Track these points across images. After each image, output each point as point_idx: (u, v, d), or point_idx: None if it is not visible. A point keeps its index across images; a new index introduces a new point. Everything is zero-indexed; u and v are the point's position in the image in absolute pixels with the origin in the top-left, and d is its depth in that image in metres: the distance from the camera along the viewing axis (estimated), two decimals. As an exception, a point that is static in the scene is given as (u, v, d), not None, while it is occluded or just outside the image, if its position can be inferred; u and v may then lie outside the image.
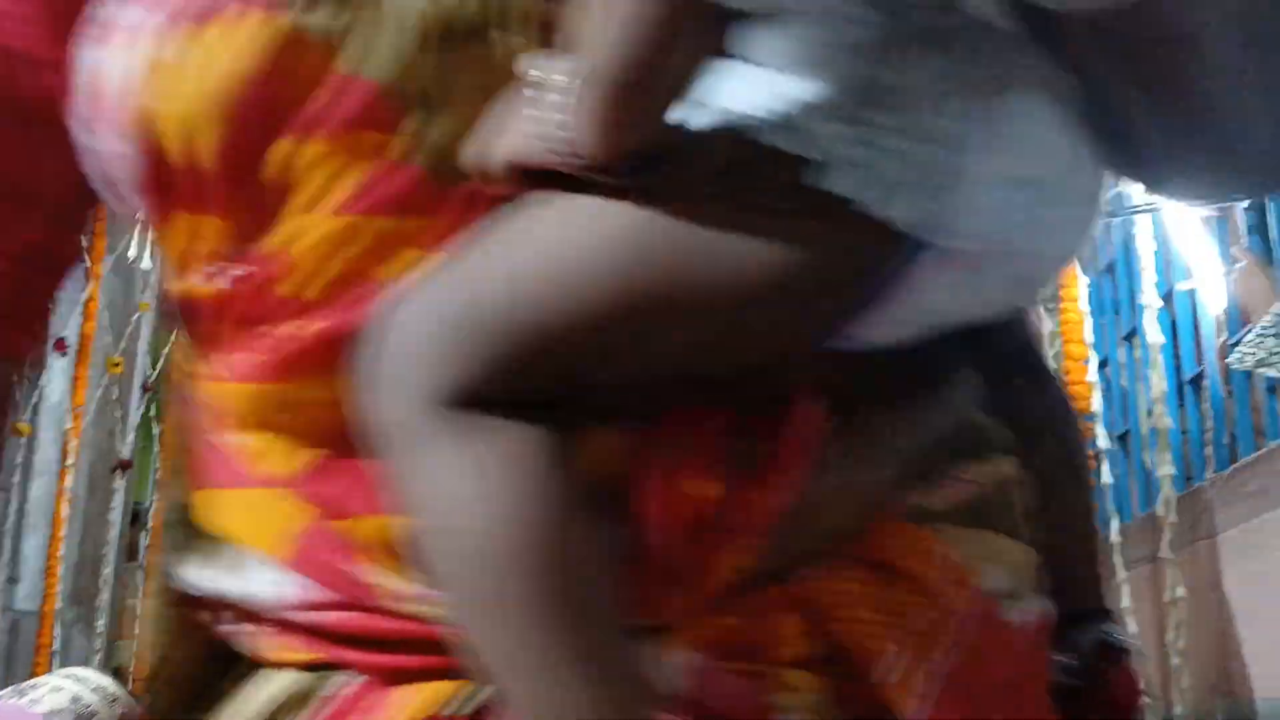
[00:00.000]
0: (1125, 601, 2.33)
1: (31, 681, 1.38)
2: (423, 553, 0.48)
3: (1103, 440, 2.41)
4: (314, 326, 0.51)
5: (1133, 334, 3.25)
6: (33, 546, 4.19)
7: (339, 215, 0.51)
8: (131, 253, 2.55)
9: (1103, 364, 3.48)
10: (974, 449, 0.59)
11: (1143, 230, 2.39)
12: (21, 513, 4.10)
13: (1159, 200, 2.36)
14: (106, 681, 1.40)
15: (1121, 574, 2.34)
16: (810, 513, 0.52)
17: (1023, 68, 0.50)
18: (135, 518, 4.90)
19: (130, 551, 4.80)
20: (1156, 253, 2.43)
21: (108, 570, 4.40)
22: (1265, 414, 2.39)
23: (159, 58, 0.51)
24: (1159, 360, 2.31)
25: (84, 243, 2.72)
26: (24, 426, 3.95)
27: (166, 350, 4.77)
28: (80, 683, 1.37)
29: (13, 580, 4.10)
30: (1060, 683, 0.66)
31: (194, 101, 0.50)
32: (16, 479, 4.09)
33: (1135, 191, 2.41)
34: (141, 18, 0.53)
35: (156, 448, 4.74)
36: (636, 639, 0.48)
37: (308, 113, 0.50)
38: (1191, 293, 2.85)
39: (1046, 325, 2.57)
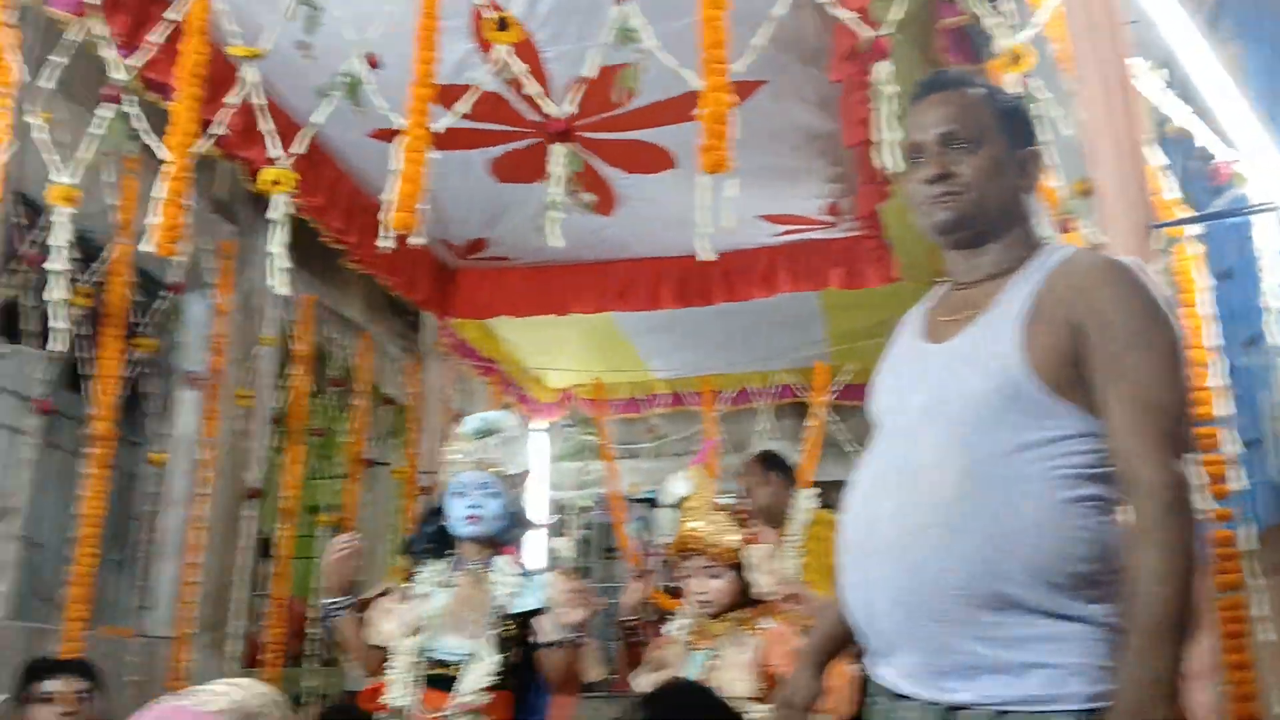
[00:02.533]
0: (1260, 609, 2.28)
1: (196, 687, 1.45)
2: None
3: (1235, 445, 2.37)
4: None
5: (1253, 340, 3.17)
6: (165, 574, 4.36)
7: None
8: (277, 287, 2.68)
9: (1232, 371, 3.38)
10: None
11: (1262, 231, 2.34)
12: (151, 541, 4.27)
13: (1276, 199, 2.32)
14: (265, 688, 1.47)
15: (1257, 581, 2.30)
16: None
17: None
18: (262, 547, 5.07)
19: (254, 582, 4.97)
20: (1280, 253, 2.38)
21: (238, 598, 4.57)
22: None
23: None
24: (1282, 364, 2.26)
25: (212, 279, 2.88)
26: (159, 457, 4.13)
27: (289, 384, 4.95)
28: (243, 689, 1.44)
29: (145, 607, 4.27)
30: None
31: None
32: (147, 509, 4.26)
33: (1253, 192, 2.37)
34: None
35: (281, 478, 4.91)
36: None
37: None
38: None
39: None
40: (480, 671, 2.78)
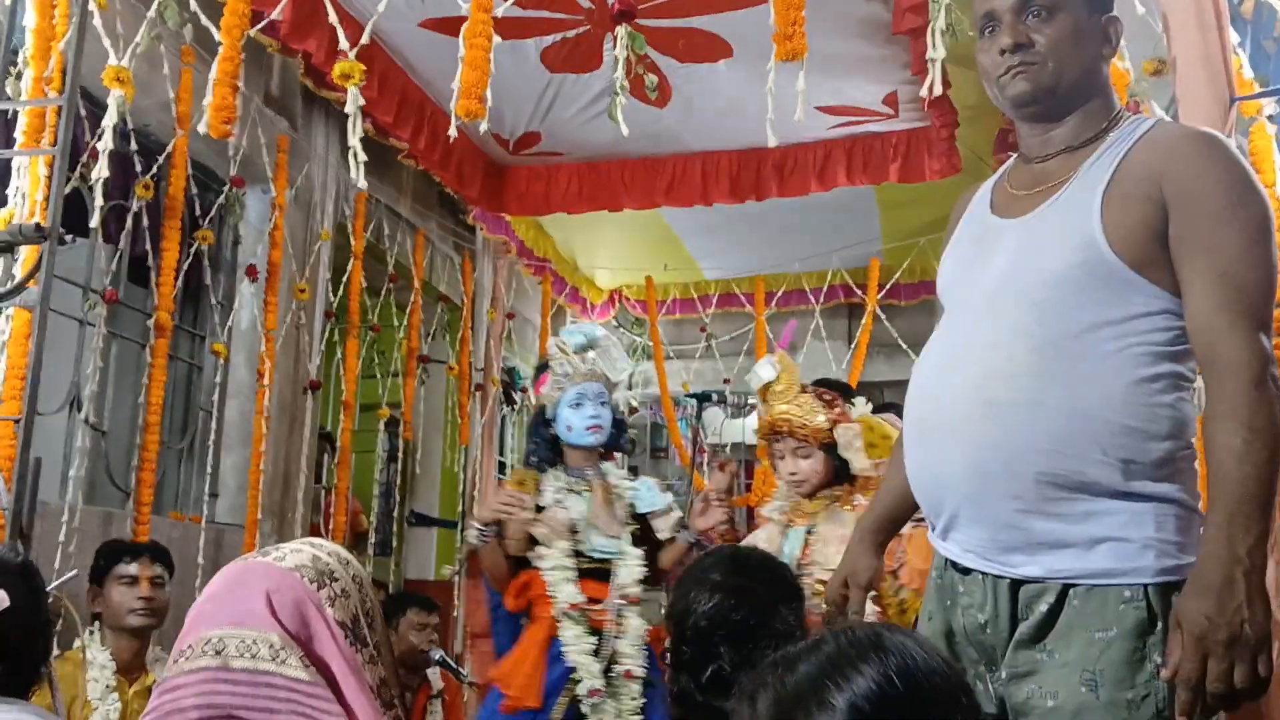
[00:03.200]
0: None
1: (275, 545, 1.49)
2: None
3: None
4: None
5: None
6: (230, 464, 4.47)
7: None
8: (359, 180, 2.69)
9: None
10: None
11: (1348, 107, 2.27)
12: (217, 431, 4.37)
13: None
14: (338, 548, 1.51)
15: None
16: None
17: None
18: (322, 439, 5.18)
19: (316, 472, 5.09)
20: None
21: (300, 487, 4.69)
22: None
23: None
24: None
25: (269, 174, 2.89)
26: (221, 348, 4.20)
27: (345, 278, 5.00)
28: (317, 547, 1.48)
29: (212, 495, 4.39)
30: None
31: None
32: (213, 399, 4.34)
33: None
34: None
35: (339, 371, 4.99)
36: None
37: None
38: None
39: None
40: (634, 566, 3.01)
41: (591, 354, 3.19)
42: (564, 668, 2.93)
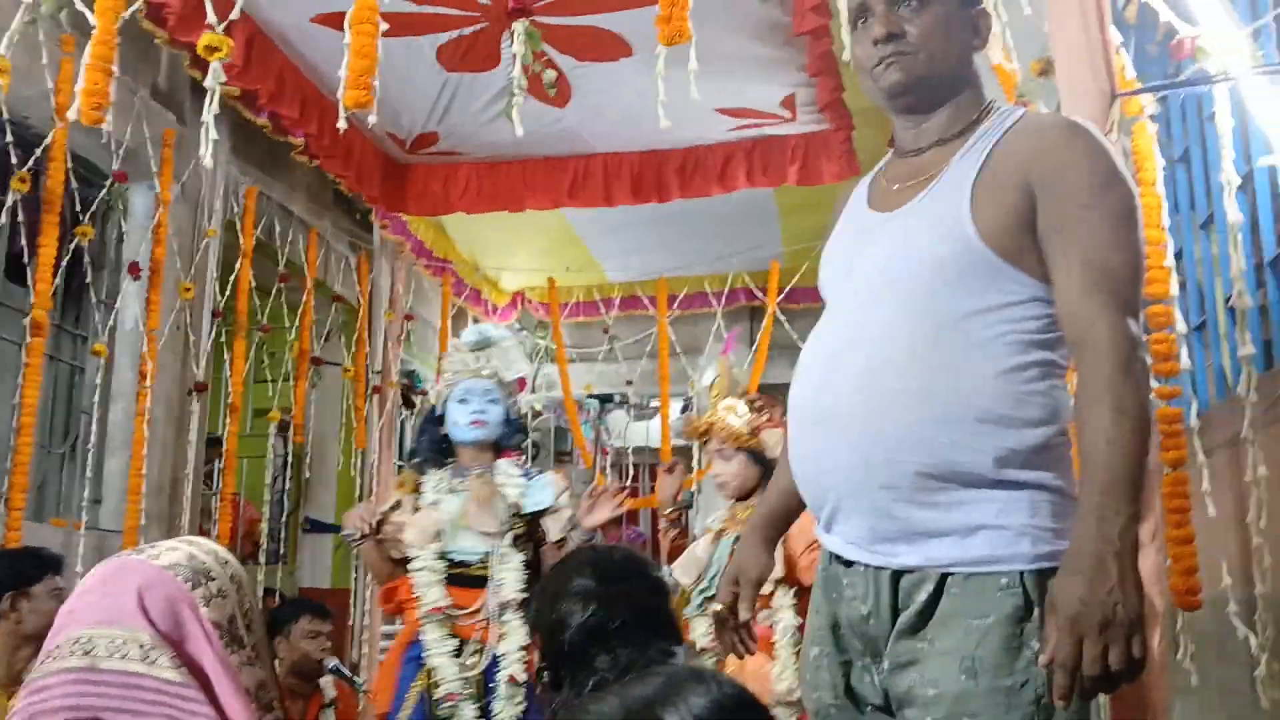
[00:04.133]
0: (1205, 485, 2.33)
1: (151, 543, 1.44)
2: None
3: (1180, 325, 2.39)
4: None
5: (1209, 222, 3.20)
6: (114, 468, 4.31)
7: None
8: (205, 157, 2.56)
9: (1178, 255, 3.42)
10: None
11: (1221, 105, 2.34)
12: (102, 435, 4.21)
13: (1237, 71, 2.31)
14: (217, 547, 1.45)
15: (1200, 458, 2.34)
16: None
17: None
18: (211, 444, 5.02)
19: (207, 479, 4.93)
20: (1235, 129, 2.38)
21: (187, 493, 4.54)
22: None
23: None
24: (1239, 239, 2.28)
25: (153, 169, 2.77)
26: (101, 348, 4.05)
27: (233, 278, 4.86)
28: (195, 545, 1.42)
29: (96, 501, 4.22)
30: None
31: None
32: (94, 402, 4.18)
33: (1212, 64, 2.35)
34: None
35: (227, 373, 4.85)
36: None
37: None
38: (1271, 170, 2.79)
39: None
40: (515, 570, 2.92)
41: (485, 352, 3.15)
42: (415, 668, 2.87)
